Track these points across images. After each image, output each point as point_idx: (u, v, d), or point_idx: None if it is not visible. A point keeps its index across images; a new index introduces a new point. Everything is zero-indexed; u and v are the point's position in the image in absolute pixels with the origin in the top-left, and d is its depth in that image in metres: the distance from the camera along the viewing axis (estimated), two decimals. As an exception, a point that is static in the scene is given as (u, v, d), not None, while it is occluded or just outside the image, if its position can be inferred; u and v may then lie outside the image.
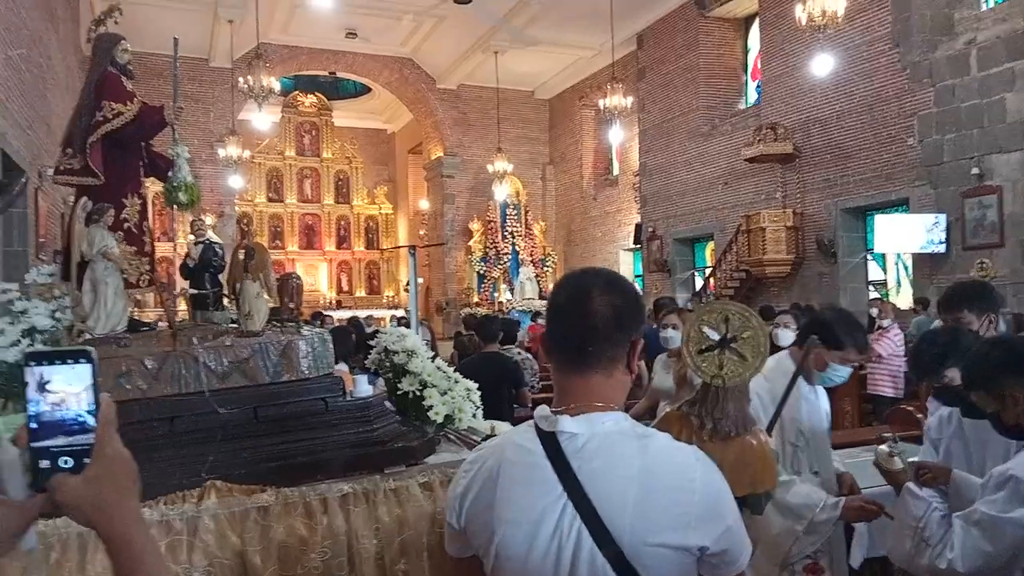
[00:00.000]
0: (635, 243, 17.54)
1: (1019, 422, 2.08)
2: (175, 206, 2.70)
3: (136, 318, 2.80)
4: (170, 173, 2.75)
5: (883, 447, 2.41)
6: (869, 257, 12.30)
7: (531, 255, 19.92)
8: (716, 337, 1.71)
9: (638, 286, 18.13)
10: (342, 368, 4.58)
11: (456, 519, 1.46)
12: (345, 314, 16.10)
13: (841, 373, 2.62)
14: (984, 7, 10.22)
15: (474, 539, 1.43)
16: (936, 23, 10.44)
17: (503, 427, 3.00)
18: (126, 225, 2.70)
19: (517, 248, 19.74)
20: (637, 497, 1.30)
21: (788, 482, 2.44)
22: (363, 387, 2.67)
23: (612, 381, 1.40)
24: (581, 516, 1.30)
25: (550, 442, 1.36)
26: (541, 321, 15.68)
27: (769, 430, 2.26)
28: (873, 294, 11.84)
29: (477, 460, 1.49)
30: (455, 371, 2.99)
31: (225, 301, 2.99)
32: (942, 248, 10.09)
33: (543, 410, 1.41)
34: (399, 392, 2.87)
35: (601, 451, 1.34)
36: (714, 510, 1.34)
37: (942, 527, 2.08)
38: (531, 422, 1.43)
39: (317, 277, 22.36)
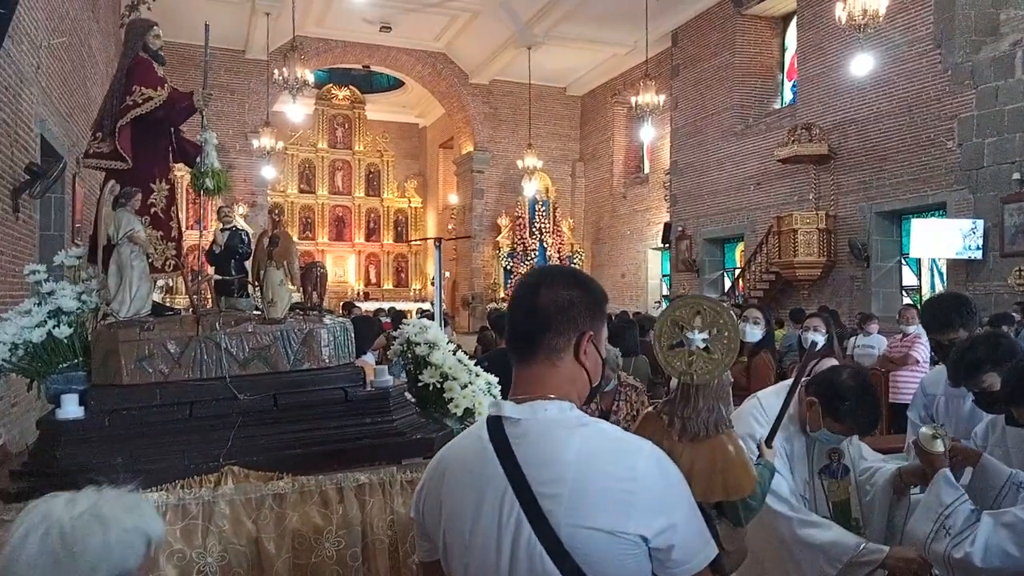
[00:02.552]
0: (663, 242, 17.39)
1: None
2: (202, 192, 2.71)
3: (160, 302, 2.82)
4: (198, 159, 2.76)
5: (926, 429, 2.33)
6: (903, 262, 12.06)
7: (559, 252, 19.87)
8: (688, 333, 1.65)
9: (666, 288, 18.04)
10: (367, 360, 4.59)
11: (417, 513, 1.50)
12: (372, 305, 16.20)
13: (831, 440, 2.50)
14: (1032, 7, 9.95)
15: (430, 531, 1.46)
16: (981, 23, 10.18)
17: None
18: (153, 210, 2.72)
19: (545, 245, 19.71)
20: (574, 481, 1.30)
21: (819, 522, 2.35)
22: (383, 377, 2.66)
23: (558, 371, 1.41)
24: (520, 501, 1.31)
25: (496, 428, 1.38)
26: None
27: (768, 442, 2.20)
28: (906, 299, 11.61)
29: (438, 455, 1.53)
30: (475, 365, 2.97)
31: (250, 288, 3.00)
32: (979, 254, 9.85)
33: (497, 399, 1.45)
34: (420, 384, 2.86)
35: (541, 436, 1.35)
36: (658, 502, 1.31)
37: (969, 520, 2.07)
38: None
39: (346, 268, 22.52)
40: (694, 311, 1.65)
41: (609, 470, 1.31)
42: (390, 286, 22.97)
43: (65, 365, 2.41)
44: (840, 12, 9.33)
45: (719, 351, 1.64)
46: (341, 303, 13.44)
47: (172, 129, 2.88)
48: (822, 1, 12.32)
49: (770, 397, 2.56)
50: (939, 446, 2.28)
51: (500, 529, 1.31)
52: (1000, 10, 10.08)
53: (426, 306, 17.33)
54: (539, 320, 1.41)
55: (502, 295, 19.44)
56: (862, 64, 10.86)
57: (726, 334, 1.64)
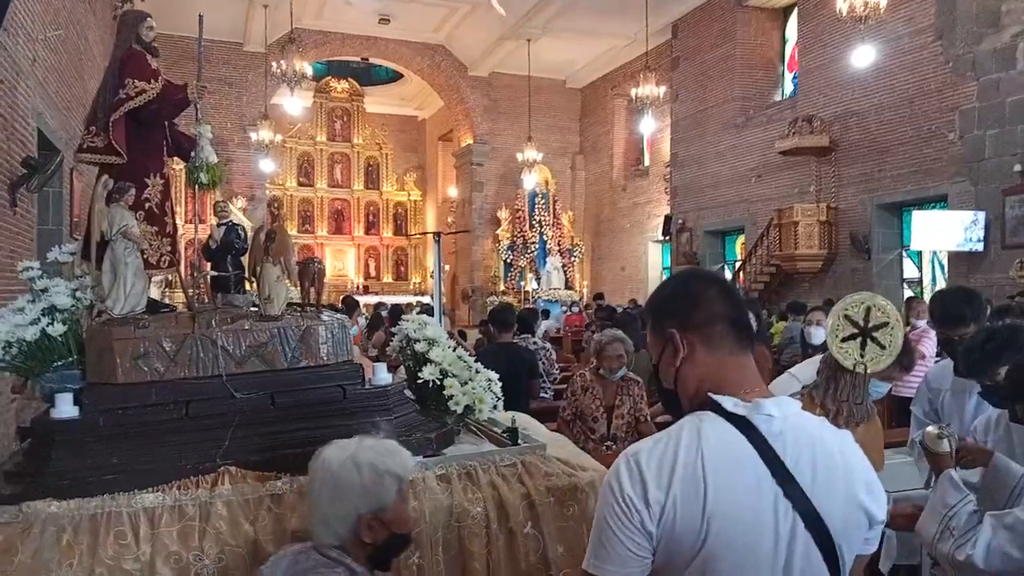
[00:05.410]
0: (664, 235, 17.35)
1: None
2: (196, 186, 2.67)
3: (159, 299, 2.79)
4: (192, 153, 2.72)
5: (932, 428, 2.32)
6: (904, 254, 12.02)
7: (558, 245, 19.82)
8: (858, 327, 1.89)
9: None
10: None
11: (655, 521, 1.29)
12: (371, 299, 16.16)
13: (880, 388, 2.52)
14: (1034, -2, 9.88)
15: (683, 538, 1.29)
16: (982, 15, 10.11)
17: (524, 419, 2.94)
18: (148, 205, 2.67)
19: (545, 237, 19.66)
20: (843, 480, 1.33)
21: None
22: (382, 375, 2.62)
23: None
24: (794, 505, 1.29)
25: (748, 429, 1.32)
26: (576, 311, 15.59)
27: None
28: (907, 292, 11.58)
29: (653, 453, 1.33)
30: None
31: (246, 284, 2.96)
32: (980, 247, 9.82)
33: (727, 399, 1.36)
34: (419, 381, 2.83)
35: (801, 436, 1.34)
36: (878, 485, 1.41)
37: (971, 522, 2.06)
38: (700, 413, 1.36)
39: (345, 262, 22.47)
40: (864, 309, 1.90)
41: (859, 464, 1.37)
42: (390, 279, 22.92)
43: (59, 363, 2.37)
44: (841, 3, 9.29)
45: (888, 343, 1.89)
46: (341, 297, 13.41)
47: (167, 122, 2.83)
48: (823, -8, 12.26)
49: (805, 367, 2.69)
50: (945, 446, 2.26)
51: (777, 535, 1.28)
52: (1001, 2, 10.01)
53: (426, 299, 17.30)
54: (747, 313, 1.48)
55: (502, 288, 19.40)
56: (863, 56, 10.80)
57: (896, 330, 1.89)
